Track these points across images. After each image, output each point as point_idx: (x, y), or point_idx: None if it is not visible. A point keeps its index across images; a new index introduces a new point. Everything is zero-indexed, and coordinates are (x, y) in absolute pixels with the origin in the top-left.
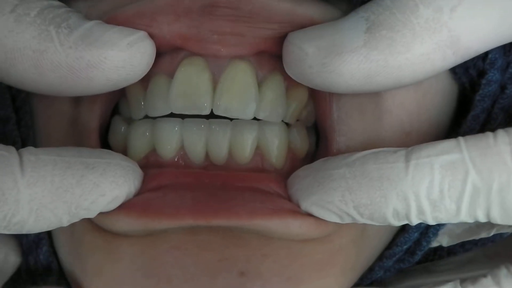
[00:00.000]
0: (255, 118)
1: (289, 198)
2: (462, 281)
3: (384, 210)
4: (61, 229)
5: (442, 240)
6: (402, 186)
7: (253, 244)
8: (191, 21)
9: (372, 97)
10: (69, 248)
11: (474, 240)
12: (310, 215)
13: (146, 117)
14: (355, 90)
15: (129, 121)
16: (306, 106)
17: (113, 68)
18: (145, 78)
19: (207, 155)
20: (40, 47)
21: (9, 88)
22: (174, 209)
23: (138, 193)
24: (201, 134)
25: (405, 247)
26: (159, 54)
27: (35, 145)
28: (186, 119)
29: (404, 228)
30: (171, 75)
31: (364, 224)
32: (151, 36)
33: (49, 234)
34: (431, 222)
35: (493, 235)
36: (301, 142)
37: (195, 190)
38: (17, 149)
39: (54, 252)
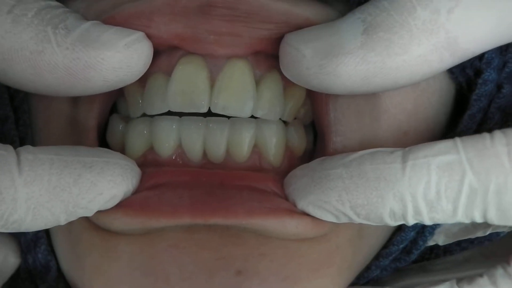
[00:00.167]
0: (252, 116)
1: (286, 198)
2: (459, 280)
3: (380, 211)
4: (59, 227)
5: (439, 239)
6: (399, 186)
7: (251, 243)
8: (188, 21)
9: (369, 97)
10: (67, 247)
11: (470, 239)
12: (306, 214)
13: (144, 115)
14: (352, 91)
15: (127, 119)
16: (303, 104)
17: (111, 69)
18: (143, 77)
19: (204, 153)
20: (37, 48)
21: (8, 87)
22: (172, 207)
23: (136, 192)
24: (199, 132)
25: (401, 246)
26: (156, 53)
27: (34, 144)
28: (184, 117)
29: (401, 227)
30: (168, 73)
31: (361, 224)
32: (149, 36)
33: (47, 233)
34: (428, 222)
35: (490, 234)
36: (299, 140)
37: (193, 189)
38: (15, 148)
39: (52, 251)
